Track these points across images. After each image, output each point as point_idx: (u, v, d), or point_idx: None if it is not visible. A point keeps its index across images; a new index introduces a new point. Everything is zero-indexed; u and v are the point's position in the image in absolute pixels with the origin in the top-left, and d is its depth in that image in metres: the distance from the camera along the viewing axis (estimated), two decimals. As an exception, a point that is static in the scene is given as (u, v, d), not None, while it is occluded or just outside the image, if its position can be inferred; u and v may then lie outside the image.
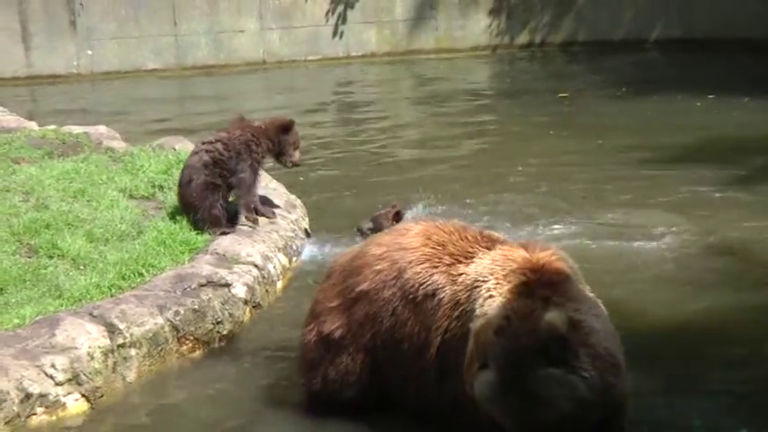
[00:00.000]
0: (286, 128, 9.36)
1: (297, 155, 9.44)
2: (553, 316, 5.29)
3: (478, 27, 22.74)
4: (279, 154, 9.37)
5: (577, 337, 5.31)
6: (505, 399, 5.27)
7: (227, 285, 8.02)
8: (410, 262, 6.15)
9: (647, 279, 8.63)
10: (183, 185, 9.12)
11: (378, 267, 6.25)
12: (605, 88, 17.89)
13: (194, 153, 9.27)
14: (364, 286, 6.25)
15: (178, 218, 9.25)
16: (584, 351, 5.30)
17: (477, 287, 5.82)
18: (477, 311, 5.67)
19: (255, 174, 9.17)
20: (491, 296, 5.69)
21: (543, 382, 5.21)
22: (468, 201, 10.95)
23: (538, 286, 5.55)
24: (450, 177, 12.22)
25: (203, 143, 9.28)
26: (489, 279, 5.78)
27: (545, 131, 14.58)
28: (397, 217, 9.32)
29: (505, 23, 22.74)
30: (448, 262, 6.06)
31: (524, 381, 5.22)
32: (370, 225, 9.40)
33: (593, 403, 5.30)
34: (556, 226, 9.98)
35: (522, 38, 22.75)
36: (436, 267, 6.07)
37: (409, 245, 6.23)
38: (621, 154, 12.84)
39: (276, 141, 9.31)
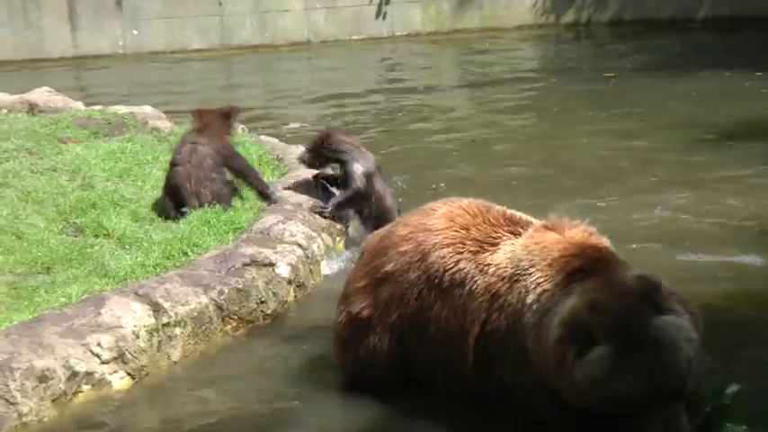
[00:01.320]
0: (229, 115, 9.73)
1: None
2: (638, 273, 5.39)
3: (523, 6, 22.63)
4: None
5: (665, 288, 5.40)
6: (628, 364, 5.18)
7: (271, 265, 8.04)
8: (434, 245, 6.15)
9: (698, 259, 8.58)
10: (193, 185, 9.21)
11: (402, 248, 6.26)
12: (652, 68, 17.74)
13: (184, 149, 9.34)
14: (389, 267, 6.27)
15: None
16: (673, 298, 5.39)
17: (518, 280, 5.78)
18: (535, 307, 5.63)
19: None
20: (545, 290, 5.64)
21: (661, 329, 5.22)
22: (514, 181, 10.93)
23: (591, 264, 5.55)
24: (496, 157, 12.19)
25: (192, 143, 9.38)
26: (532, 271, 5.74)
27: (591, 111, 14.48)
28: (328, 139, 9.48)
29: (551, 2, 22.60)
30: (473, 248, 6.04)
31: (643, 336, 5.20)
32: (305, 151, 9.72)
33: (699, 346, 5.35)
34: (599, 203, 9.94)
35: (568, 16, 22.61)
36: (461, 253, 6.06)
37: (433, 226, 6.22)
38: (668, 134, 12.74)
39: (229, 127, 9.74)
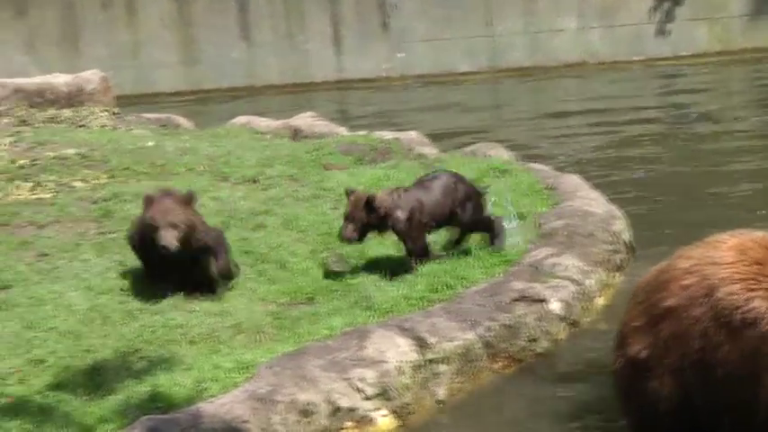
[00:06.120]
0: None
1: None
2: None
3: (827, 21, 21.75)
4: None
5: None
6: None
7: (542, 301, 8.01)
8: (722, 279, 5.95)
9: None
10: None
11: (685, 282, 6.07)
12: None
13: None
14: (670, 302, 6.10)
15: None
16: None
17: None
18: None
19: None
20: None
21: None
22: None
23: None
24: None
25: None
26: None
27: None
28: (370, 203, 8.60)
29: None
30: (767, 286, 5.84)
31: None
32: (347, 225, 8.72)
33: None
34: None
35: None
36: (753, 291, 5.84)
37: (722, 260, 6.02)
38: None
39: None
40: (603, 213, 9.81)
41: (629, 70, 21.46)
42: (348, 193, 8.82)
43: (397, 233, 8.71)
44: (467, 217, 8.86)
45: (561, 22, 21.93)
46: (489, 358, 7.56)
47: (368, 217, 8.60)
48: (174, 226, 8.06)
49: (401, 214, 8.62)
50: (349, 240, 8.66)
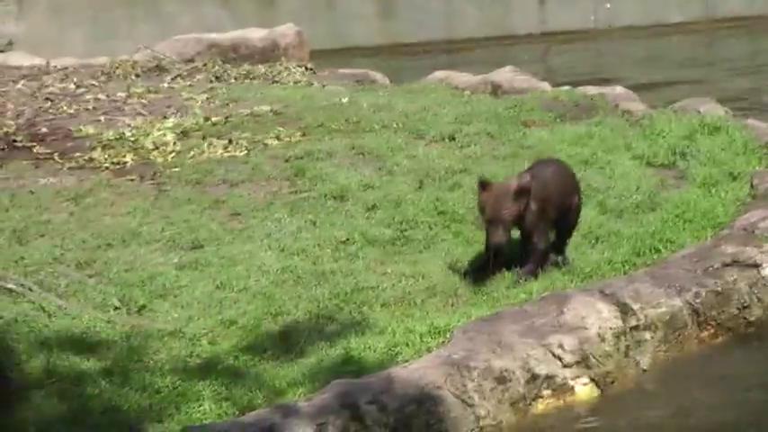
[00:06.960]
0: None
1: None
2: None
3: None
4: None
5: None
6: None
7: (756, 266, 7.82)
8: None
9: None
10: None
11: None
12: None
13: None
14: None
15: (701, 189, 9.16)
16: None
17: None
18: None
19: None
20: None
21: None
22: None
23: None
24: None
25: None
26: None
27: None
28: None
29: None
30: None
31: None
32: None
33: None
34: None
35: None
36: None
37: None
38: None
39: None
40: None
41: None
42: (483, 184, 7.93)
43: (525, 227, 8.02)
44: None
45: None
46: (697, 326, 7.44)
47: (518, 209, 7.84)
48: None
49: (533, 204, 7.95)
50: (501, 245, 7.91)
